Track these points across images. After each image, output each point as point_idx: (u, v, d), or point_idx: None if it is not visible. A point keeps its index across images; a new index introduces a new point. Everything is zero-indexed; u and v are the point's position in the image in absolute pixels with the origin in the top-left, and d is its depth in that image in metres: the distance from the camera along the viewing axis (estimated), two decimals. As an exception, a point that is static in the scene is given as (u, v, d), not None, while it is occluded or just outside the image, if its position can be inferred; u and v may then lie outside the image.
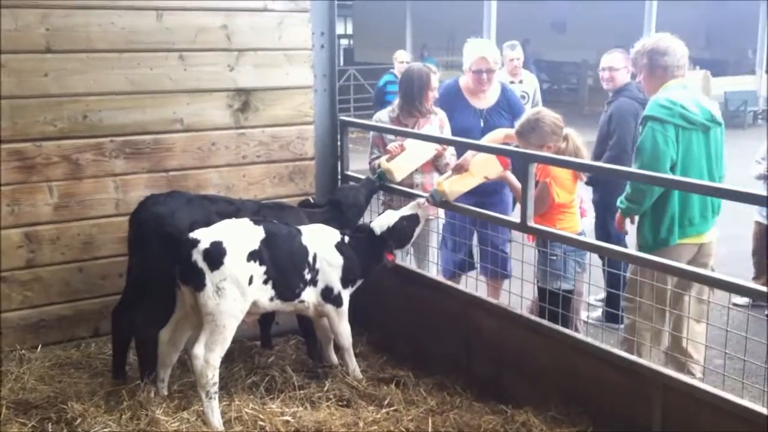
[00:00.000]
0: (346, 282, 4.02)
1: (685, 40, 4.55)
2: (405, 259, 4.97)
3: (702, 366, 3.98)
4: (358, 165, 5.45)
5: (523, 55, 8.14)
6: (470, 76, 5.53)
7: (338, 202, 4.46)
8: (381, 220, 4.21)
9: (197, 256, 3.52)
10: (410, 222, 4.23)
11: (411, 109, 5.21)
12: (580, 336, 3.74)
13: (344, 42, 27.88)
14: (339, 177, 5.16)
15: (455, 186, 4.42)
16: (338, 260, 3.98)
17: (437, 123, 5.29)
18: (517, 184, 4.35)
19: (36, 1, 4.04)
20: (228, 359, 4.13)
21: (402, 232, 4.20)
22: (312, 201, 4.63)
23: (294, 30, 4.76)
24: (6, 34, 3.99)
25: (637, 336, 4.05)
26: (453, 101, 5.55)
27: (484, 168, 4.47)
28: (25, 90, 4.09)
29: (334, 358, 4.27)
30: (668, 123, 4.22)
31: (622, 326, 4.78)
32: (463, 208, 4.50)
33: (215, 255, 3.53)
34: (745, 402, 3.05)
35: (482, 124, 5.46)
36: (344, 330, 4.06)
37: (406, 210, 4.28)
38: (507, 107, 5.58)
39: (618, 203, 4.51)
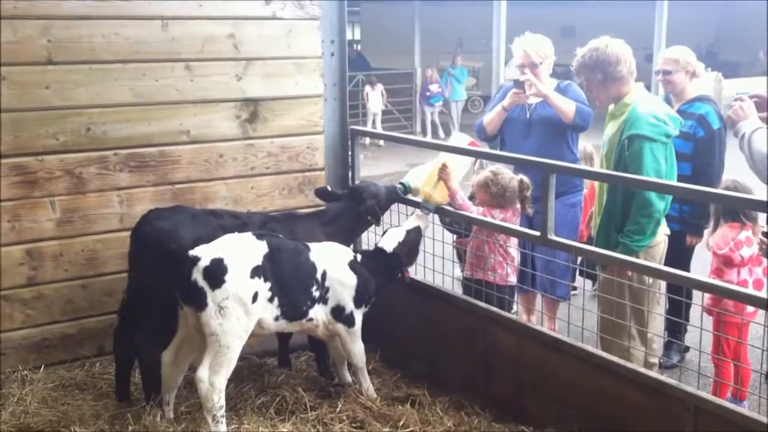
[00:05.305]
0: (359, 302, 3.89)
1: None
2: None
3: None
4: (367, 171, 5.33)
5: None
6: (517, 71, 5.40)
7: (358, 190, 4.34)
8: (389, 238, 4.09)
9: (197, 275, 3.38)
10: (415, 235, 4.15)
11: None
12: (604, 354, 3.58)
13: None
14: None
15: (441, 191, 4.41)
16: (352, 280, 3.86)
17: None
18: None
19: (37, 11, 3.93)
20: (237, 378, 4.00)
21: (411, 246, 4.11)
22: (329, 189, 4.46)
23: (303, 38, 4.65)
24: (6, 45, 3.88)
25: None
26: (504, 96, 5.38)
27: (458, 165, 4.48)
28: (26, 103, 3.98)
29: (348, 377, 4.15)
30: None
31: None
32: (481, 220, 4.38)
33: (216, 273, 3.39)
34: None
35: (528, 116, 5.25)
36: (357, 349, 3.93)
37: (410, 224, 4.19)
38: None
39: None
